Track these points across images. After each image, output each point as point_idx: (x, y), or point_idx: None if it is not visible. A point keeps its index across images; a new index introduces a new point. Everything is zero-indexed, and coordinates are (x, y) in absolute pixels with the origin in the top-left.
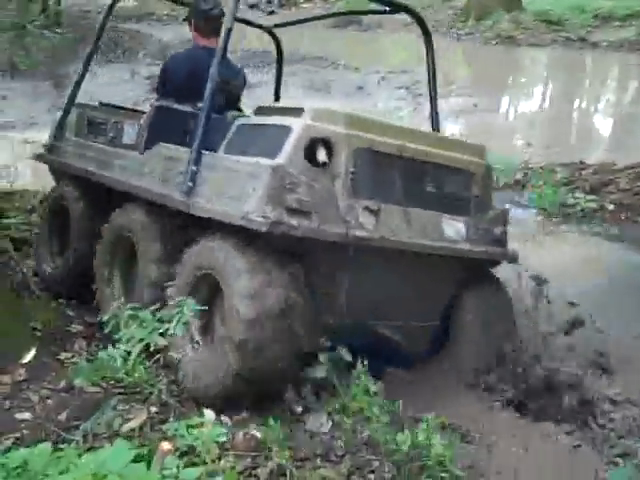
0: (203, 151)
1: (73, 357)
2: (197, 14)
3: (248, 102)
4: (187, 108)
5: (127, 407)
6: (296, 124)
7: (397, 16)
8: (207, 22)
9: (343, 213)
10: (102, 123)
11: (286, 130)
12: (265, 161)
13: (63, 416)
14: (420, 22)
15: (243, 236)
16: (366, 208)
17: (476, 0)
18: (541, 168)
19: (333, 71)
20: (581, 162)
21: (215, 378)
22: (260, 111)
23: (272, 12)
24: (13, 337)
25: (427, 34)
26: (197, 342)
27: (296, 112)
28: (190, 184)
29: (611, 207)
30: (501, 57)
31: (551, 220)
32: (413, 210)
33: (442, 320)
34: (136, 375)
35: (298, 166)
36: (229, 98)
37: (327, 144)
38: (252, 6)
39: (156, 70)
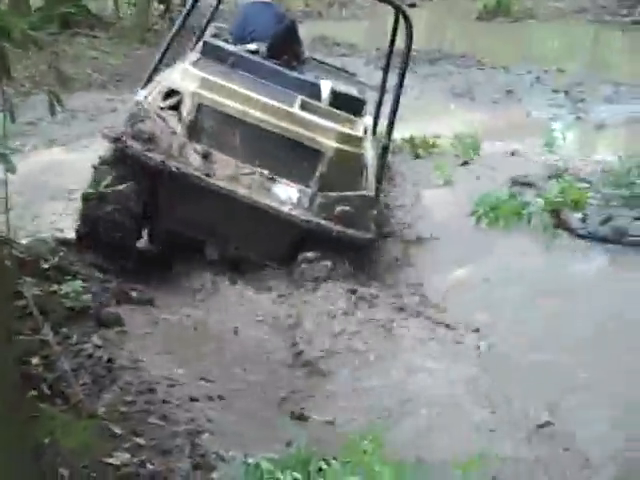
0: None
1: None
2: None
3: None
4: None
5: None
6: None
7: (552, 3)
8: None
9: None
10: None
11: None
12: None
13: None
14: (402, 13)
15: None
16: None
17: None
18: None
19: (478, 72)
20: None
21: None
22: None
23: (412, 5)
24: None
25: (409, 26)
26: None
27: None
28: None
29: None
30: None
31: None
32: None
33: None
34: None
35: None
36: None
37: None
38: None
39: None
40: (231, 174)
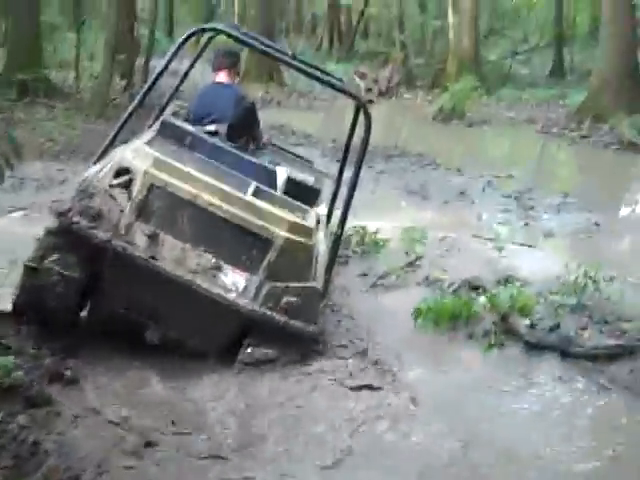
0: None
1: None
2: None
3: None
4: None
5: None
6: None
7: (504, 112)
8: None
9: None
10: None
11: None
12: None
13: None
14: (362, 108)
15: None
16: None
17: (594, 99)
18: None
19: (432, 171)
20: None
21: None
22: None
23: (370, 101)
24: None
25: (368, 120)
26: None
27: None
28: None
29: None
30: (623, 166)
31: None
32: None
33: None
34: None
35: None
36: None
37: None
38: None
39: None
40: (177, 257)
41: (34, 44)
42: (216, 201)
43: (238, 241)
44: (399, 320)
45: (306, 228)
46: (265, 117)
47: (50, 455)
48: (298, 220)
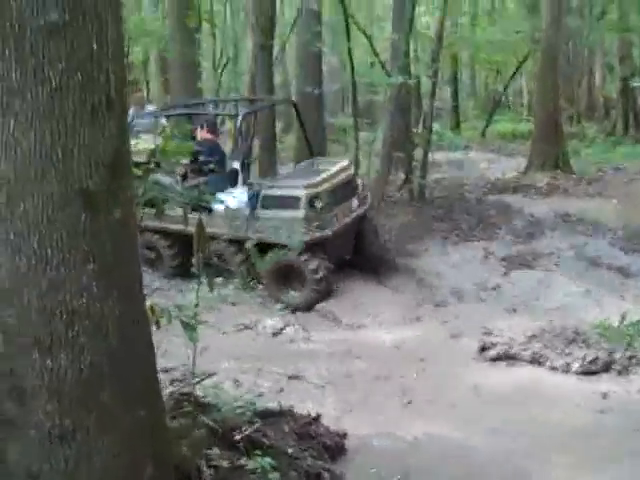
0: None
1: None
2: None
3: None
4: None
5: None
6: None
7: None
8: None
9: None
10: None
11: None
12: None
13: None
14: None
15: None
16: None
17: None
18: None
19: None
20: None
21: None
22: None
23: None
24: None
25: (296, 110)
26: None
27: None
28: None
29: None
30: None
31: None
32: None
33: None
34: None
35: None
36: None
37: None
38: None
39: (516, 250)
40: (343, 213)
41: (320, 144)
42: (339, 179)
43: (349, 188)
44: None
45: (350, 164)
46: (552, 206)
47: None
48: (348, 164)
